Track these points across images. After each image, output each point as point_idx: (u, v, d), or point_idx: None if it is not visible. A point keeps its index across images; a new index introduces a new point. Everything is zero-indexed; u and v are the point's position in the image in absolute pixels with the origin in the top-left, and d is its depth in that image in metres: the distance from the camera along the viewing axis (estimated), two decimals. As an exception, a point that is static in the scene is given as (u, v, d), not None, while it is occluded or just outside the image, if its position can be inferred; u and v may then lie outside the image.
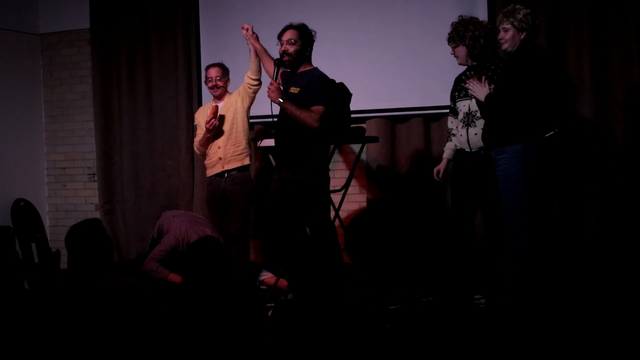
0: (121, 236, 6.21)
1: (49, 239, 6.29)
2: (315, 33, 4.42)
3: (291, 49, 4.36)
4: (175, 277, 4.90)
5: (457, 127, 4.32)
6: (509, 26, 3.89)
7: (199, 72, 5.85)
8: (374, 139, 5.15)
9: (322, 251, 4.34)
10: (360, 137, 5.12)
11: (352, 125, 4.84)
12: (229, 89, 5.07)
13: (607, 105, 4.85)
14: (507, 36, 3.90)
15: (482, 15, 4.86)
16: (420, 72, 5.24)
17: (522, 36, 3.88)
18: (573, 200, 4.89)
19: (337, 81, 4.65)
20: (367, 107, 5.32)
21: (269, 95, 4.37)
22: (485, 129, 4.02)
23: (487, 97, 3.94)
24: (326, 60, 5.21)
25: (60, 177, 6.57)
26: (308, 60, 4.43)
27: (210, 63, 5.09)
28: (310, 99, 4.27)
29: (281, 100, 4.30)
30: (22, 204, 6.20)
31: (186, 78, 5.95)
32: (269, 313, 4.31)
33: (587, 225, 4.86)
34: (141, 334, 2.65)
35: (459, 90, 4.27)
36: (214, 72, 4.98)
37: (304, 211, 4.34)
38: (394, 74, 5.31)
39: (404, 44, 5.31)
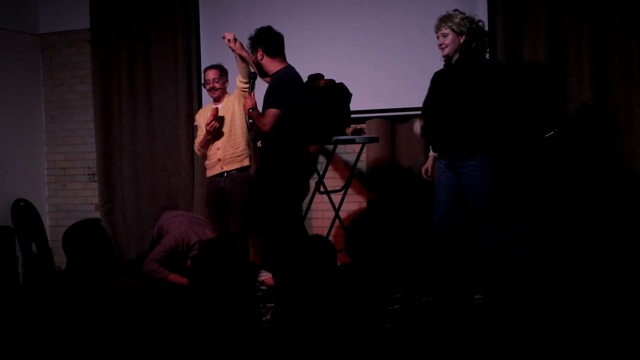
0: (121, 236, 6.21)
1: (49, 239, 6.28)
2: (265, 32, 4.42)
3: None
4: (175, 278, 4.91)
5: None
6: (447, 31, 3.97)
7: (199, 72, 5.84)
8: (374, 139, 5.15)
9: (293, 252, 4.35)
10: (360, 137, 5.13)
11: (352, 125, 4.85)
12: (228, 89, 5.08)
13: (607, 105, 4.85)
14: (447, 41, 3.98)
15: (482, 15, 4.85)
16: (420, 72, 5.22)
17: (462, 40, 3.94)
18: (573, 200, 4.89)
19: (337, 81, 4.66)
20: (367, 107, 5.32)
21: (243, 108, 4.59)
22: (443, 139, 4.05)
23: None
24: (326, 60, 5.23)
25: (60, 177, 6.56)
26: (278, 60, 4.43)
27: (209, 65, 5.11)
28: (267, 102, 4.34)
29: (250, 111, 4.43)
30: (22, 204, 6.19)
31: (186, 78, 5.94)
32: (268, 313, 4.30)
33: (587, 225, 4.86)
34: (141, 333, 2.65)
35: None
36: (211, 75, 4.99)
37: (271, 212, 4.38)
38: (394, 74, 5.31)
39: (404, 44, 5.31)
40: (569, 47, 4.92)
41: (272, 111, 4.27)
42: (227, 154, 4.93)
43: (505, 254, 4.05)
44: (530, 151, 4.52)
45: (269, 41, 4.40)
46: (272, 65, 4.42)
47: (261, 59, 4.41)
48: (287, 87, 4.32)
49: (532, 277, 3.91)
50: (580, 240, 4.79)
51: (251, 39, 4.45)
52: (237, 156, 4.94)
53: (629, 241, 4.68)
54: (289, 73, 4.39)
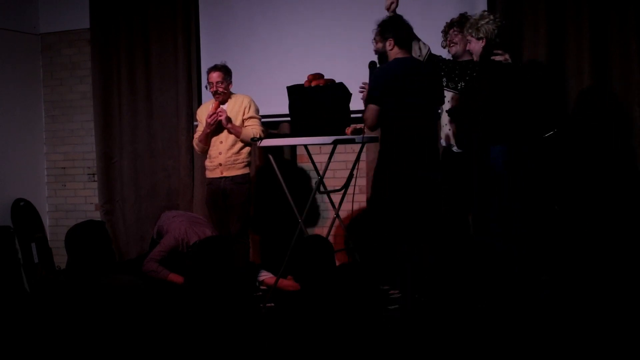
0: (121, 236, 6.21)
1: (49, 239, 6.29)
2: (397, 21, 4.36)
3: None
4: (175, 277, 4.91)
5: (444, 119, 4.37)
6: (469, 37, 4.18)
7: (199, 71, 5.84)
8: (373, 139, 5.14)
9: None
10: (360, 137, 5.12)
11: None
12: (232, 89, 5.05)
13: (606, 105, 4.85)
14: (470, 46, 4.20)
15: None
16: (420, 72, 5.22)
17: (483, 44, 4.10)
18: (573, 200, 4.89)
19: (337, 81, 4.66)
20: (367, 107, 5.31)
21: None
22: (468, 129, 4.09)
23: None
24: (326, 60, 5.23)
25: (60, 177, 6.57)
26: (404, 51, 4.36)
27: (212, 66, 5.00)
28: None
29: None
30: (22, 204, 6.20)
31: (186, 78, 5.94)
32: (265, 312, 4.31)
33: (586, 225, 4.85)
34: (139, 331, 2.65)
35: (454, 78, 4.31)
36: (215, 77, 4.90)
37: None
38: (394, 73, 5.30)
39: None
40: (569, 46, 4.92)
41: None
42: (229, 160, 4.91)
43: (507, 255, 4.05)
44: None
45: (400, 31, 4.31)
46: (399, 55, 4.31)
47: (391, 49, 4.30)
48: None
49: (533, 278, 3.90)
50: (580, 239, 4.79)
51: (381, 26, 4.33)
52: (238, 163, 4.93)
53: (628, 240, 4.68)
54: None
